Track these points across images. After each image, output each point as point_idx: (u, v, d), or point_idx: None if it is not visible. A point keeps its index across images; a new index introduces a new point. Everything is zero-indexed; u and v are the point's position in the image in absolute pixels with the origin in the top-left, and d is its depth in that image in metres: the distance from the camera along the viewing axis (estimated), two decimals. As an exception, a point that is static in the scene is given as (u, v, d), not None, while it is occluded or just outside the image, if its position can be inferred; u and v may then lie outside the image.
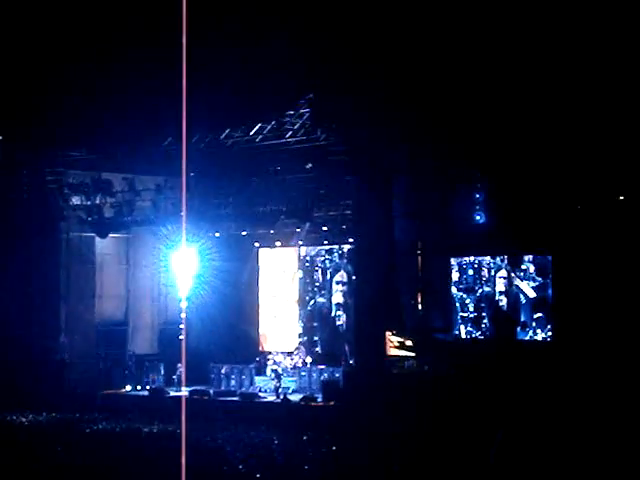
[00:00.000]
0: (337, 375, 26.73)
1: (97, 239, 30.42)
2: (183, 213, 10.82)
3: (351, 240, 27.92)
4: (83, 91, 27.15)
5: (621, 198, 22.81)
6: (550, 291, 24.30)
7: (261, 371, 28.84)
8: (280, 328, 30.98)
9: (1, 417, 25.70)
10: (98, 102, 27.25)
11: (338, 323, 29.73)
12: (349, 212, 26.80)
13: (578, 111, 22.33)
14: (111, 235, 30.39)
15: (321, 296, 30.24)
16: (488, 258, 25.44)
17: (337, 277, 29.83)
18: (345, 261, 29.54)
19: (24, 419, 25.57)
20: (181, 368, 28.13)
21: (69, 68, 26.54)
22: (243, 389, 27.90)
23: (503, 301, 25.18)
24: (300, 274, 30.66)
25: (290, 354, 29.66)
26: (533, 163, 23.19)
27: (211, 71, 22.69)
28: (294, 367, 28.83)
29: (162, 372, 29.60)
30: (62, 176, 29.72)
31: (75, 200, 29.83)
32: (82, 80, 26.71)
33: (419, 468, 18.02)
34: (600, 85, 21.74)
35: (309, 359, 29.15)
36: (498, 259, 25.29)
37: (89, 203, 29.49)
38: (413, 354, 25.23)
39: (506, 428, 20.29)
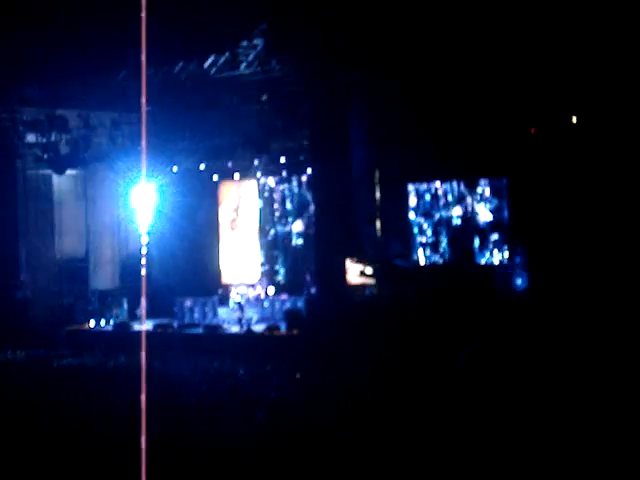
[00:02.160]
0: (299, 304, 27.04)
1: (54, 176, 30.29)
2: (142, 147, 10.81)
3: (309, 170, 28.01)
4: (34, 25, 26.76)
5: (574, 120, 23.03)
6: (506, 213, 24.62)
7: (224, 303, 29.06)
8: (241, 260, 31.14)
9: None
10: (50, 36, 26.90)
11: (299, 252, 29.91)
12: (307, 143, 26.84)
13: (531, 35, 22.41)
14: (68, 172, 30.25)
15: (281, 225, 30.37)
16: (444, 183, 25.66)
17: (297, 205, 29.93)
18: (304, 189, 29.63)
19: (-11, 358, 25.69)
20: (143, 302, 28.24)
21: (19, 2, 26.13)
22: (207, 321, 28.14)
23: (460, 224, 25.48)
24: (260, 204, 30.74)
25: (252, 285, 29.88)
26: (487, 87, 23.30)
27: (162, 2, 22.43)
28: (257, 298, 29.07)
29: (125, 307, 29.73)
30: (16, 113, 29.43)
31: (30, 137, 29.60)
32: (33, 14, 26.31)
33: (382, 393, 18.40)
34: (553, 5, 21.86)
35: (271, 289, 29.40)
36: (454, 183, 25.51)
37: (45, 140, 29.27)
38: (373, 281, 25.53)
39: (468, 348, 20.70)
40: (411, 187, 26.26)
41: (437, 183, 25.78)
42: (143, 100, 8.78)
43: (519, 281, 24.34)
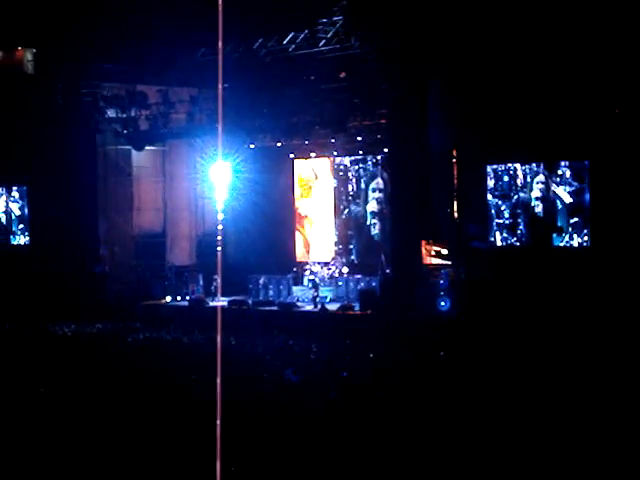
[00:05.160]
0: (373, 284, 26.94)
1: (133, 152, 30.60)
2: (218, 125, 10.78)
3: (386, 150, 27.81)
4: (116, 2, 27.05)
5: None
6: (587, 196, 24.13)
7: (298, 281, 29.10)
8: (316, 238, 31.13)
9: (45, 328, 26.22)
10: (131, 13, 27.15)
11: (373, 232, 29.80)
12: (384, 121, 26.62)
13: (614, 15, 21.95)
14: (147, 147, 30.53)
15: (355, 205, 30.27)
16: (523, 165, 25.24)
17: (372, 184, 29.77)
18: (380, 168, 29.45)
19: (67, 329, 26.09)
20: (218, 279, 28.36)
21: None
22: (281, 299, 28.19)
23: (539, 207, 25.06)
24: (334, 183, 30.67)
25: (327, 264, 29.86)
26: (570, 66, 22.84)
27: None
28: (331, 277, 29.04)
29: (201, 283, 29.94)
30: (97, 89, 29.77)
31: (110, 113, 29.92)
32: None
33: (453, 372, 18.28)
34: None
35: (345, 269, 29.35)
36: (534, 165, 25.08)
37: (124, 116, 29.56)
38: (449, 262, 25.30)
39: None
40: (489, 168, 25.90)
41: (516, 165, 25.37)
42: (220, 77, 8.73)
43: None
